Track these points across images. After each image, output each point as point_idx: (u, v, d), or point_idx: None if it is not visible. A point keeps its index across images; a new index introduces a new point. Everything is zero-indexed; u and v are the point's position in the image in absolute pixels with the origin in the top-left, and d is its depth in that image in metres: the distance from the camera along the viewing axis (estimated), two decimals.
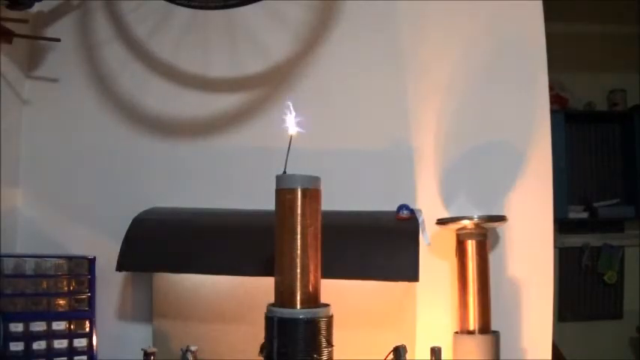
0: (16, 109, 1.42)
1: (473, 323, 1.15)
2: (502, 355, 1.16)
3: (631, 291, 3.36)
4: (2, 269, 1.20)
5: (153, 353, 1.16)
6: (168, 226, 1.23)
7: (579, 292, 3.39)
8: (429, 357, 1.14)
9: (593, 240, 3.38)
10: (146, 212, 1.27)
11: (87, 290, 1.27)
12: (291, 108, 0.95)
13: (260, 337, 0.89)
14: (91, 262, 1.28)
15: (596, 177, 3.40)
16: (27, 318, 1.19)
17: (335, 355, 0.89)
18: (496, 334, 1.16)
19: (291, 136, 0.95)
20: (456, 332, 1.19)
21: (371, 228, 1.17)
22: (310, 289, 0.88)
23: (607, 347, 3.25)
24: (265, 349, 0.88)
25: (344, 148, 1.33)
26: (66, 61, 1.44)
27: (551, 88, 1.30)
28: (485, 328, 1.15)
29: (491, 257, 1.22)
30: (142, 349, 1.17)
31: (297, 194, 0.88)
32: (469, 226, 1.17)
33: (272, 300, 0.90)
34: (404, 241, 1.11)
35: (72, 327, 1.23)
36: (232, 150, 1.37)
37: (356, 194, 1.31)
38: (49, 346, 1.20)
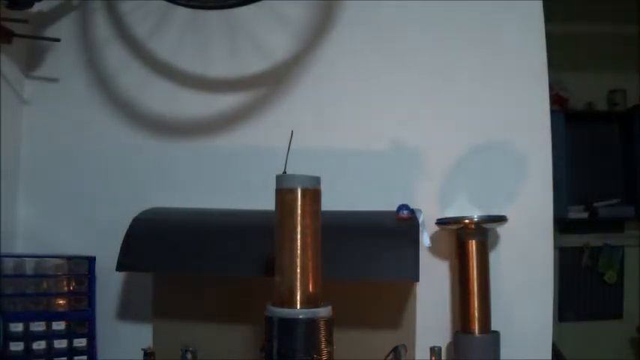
0: (16, 109, 1.42)
1: (473, 323, 1.15)
2: (502, 355, 1.16)
3: (631, 291, 3.36)
4: (2, 269, 1.20)
5: (153, 353, 1.16)
6: (168, 226, 1.23)
7: (579, 292, 3.39)
8: (429, 357, 1.14)
9: (593, 240, 3.38)
10: (146, 212, 1.27)
11: (87, 290, 1.27)
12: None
13: (260, 337, 0.89)
14: (91, 262, 1.28)
15: (596, 177, 3.40)
16: (27, 318, 1.19)
17: (335, 355, 0.89)
18: (496, 334, 1.16)
19: (291, 136, 0.95)
20: (456, 332, 1.19)
21: (371, 228, 1.17)
22: (310, 289, 0.88)
23: (607, 347, 3.25)
24: (265, 349, 0.88)
25: (344, 148, 1.33)
26: (66, 61, 1.44)
27: (551, 88, 1.30)
28: (485, 328, 1.15)
29: (491, 257, 1.22)
30: (142, 349, 1.17)
31: (297, 194, 0.88)
32: (469, 226, 1.17)
33: (272, 300, 0.90)
34: (404, 241, 1.11)
35: (72, 327, 1.23)
36: (232, 150, 1.37)
37: (356, 194, 1.30)
38: (49, 346, 1.20)
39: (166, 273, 1.29)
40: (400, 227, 1.15)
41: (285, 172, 0.91)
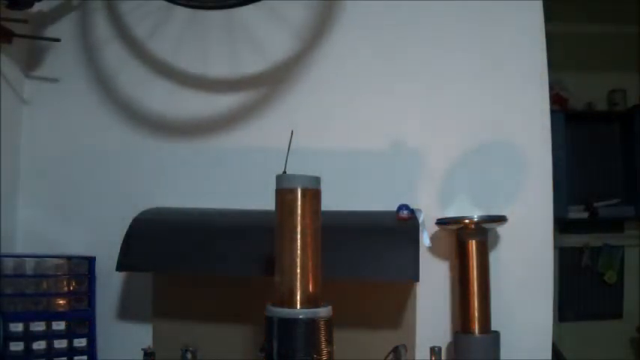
0: (16, 109, 1.42)
1: (473, 323, 1.15)
2: (502, 355, 1.16)
3: (631, 291, 3.36)
4: (2, 269, 1.20)
5: (153, 353, 1.16)
6: (168, 226, 1.23)
7: (579, 292, 3.39)
8: (429, 357, 1.14)
9: (593, 240, 3.38)
10: (146, 212, 1.27)
11: (87, 290, 1.27)
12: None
13: (260, 337, 0.89)
14: (91, 262, 1.28)
15: (596, 177, 3.40)
16: (27, 318, 1.19)
17: (335, 355, 0.89)
18: (496, 334, 1.16)
19: (291, 136, 0.95)
20: (457, 332, 1.19)
21: (371, 228, 1.17)
22: (310, 289, 0.88)
23: (607, 347, 3.24)
24: (265, 349, 0.88)
25: (344, 148, 1.33)
26: (66, 61, 1.44)
27: (551, 88, 1.30)
28: (485, 328, 1.15)
29: (491, 257, 1.22)
30: (142, 349, 1.17)
31: (297, 194, 0.88)
32: (469, 226, 1.17)
33: (272, 300, 0.90)
34: (404, 241, 1.11)
35: (72, 327, 1.23)
36: (232, 150, 1.37)
37: (356, 194, 1.30)
38: (49, 346, 1.20)
39: (166, 273, 1.29)
40: (400, 227, 1.15)
41: (285, 172, 0.91)
